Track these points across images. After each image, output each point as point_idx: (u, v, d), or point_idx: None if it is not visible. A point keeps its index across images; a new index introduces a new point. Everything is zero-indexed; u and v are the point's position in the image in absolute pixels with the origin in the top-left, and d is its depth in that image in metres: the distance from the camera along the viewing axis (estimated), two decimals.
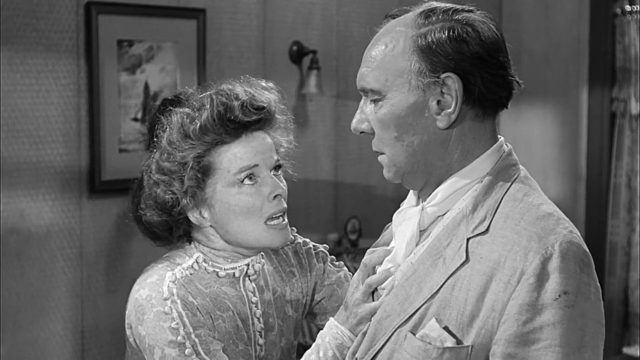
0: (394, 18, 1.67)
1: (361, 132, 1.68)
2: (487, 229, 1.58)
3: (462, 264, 1.57)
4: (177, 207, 1.88)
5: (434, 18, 1.60)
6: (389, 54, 1.61)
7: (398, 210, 1.75)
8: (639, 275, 5.07)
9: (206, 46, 4.21)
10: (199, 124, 1.85)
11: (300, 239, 2.12)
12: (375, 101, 1.63)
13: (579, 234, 1.58)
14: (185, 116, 1.87)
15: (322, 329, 1.84)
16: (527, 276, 1.50)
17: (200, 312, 1.86)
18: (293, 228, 2.15)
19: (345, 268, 2.16)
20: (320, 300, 2.11)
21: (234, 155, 1.87)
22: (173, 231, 1.93)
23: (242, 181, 1.87)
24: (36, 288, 3.74)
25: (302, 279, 2.08)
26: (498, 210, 1.59)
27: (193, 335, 1.82)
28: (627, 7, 5.01)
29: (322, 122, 4.76)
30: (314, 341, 1.83)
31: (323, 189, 4.80)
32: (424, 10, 1.63)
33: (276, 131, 1.96)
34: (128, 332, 1.90)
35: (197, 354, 1.81)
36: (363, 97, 1.67)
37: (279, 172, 1.95)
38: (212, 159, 1.87)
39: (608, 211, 5.13)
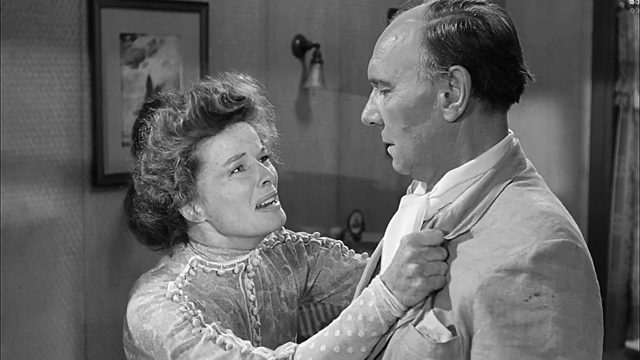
0: (406, 10, 1.67)
1: (371, 123, 1.68)
2: (473, 230, 1.58)
3: (447, 261, 1.59)
4: (170, 204, 1.90)
5: (444, 10, 1.60)
6: (398, 46, 1.61)
7: (408, 193, 1.75)
8: None
9: (209, 40, 4.21)
10: (182, 120, 1.88)
11: (289, 236, 2.13)
12: (384, 92, 1.64)
13: (573, 229, 1.56)
14: (167, 114, 1.90)
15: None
16: (501, 273, 1.49)
17: (206, 312, 1.87)
18: (282, 228, 2.16)
19: (338, 241, 2.17)
20: (313, 285, 2.12)
21: (219, 147, 1.89)
22: (168, 232, 1.94)
23: (232, 173, 1.89)
24: (38, 282, 3.74)
25: (295, 275, 2.09)
26: (490, 210, 1.59)
27: (200, 314, 1.83)
28: (631, 1, 5.00)
29: (324, 116, 4.76)
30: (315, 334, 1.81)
31: (325, 183, 4.80)
32: (435, 2, 1.62)
33: (259, 122, 1.99)
34: (127, 337, 1.89)
35: (204, 326, 1.80)
36: (374, 88, 1.67)
37: (267, 161, 1.97)
38: (198, 153, 1.89)
39: (611, 205, 5.13)
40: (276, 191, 1.94)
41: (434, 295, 1.59)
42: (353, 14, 4.83)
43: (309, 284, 2.12)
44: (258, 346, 1.94)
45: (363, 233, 4.78)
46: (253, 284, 1.98)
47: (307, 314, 4.20)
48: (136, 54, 3.99)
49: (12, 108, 3.63)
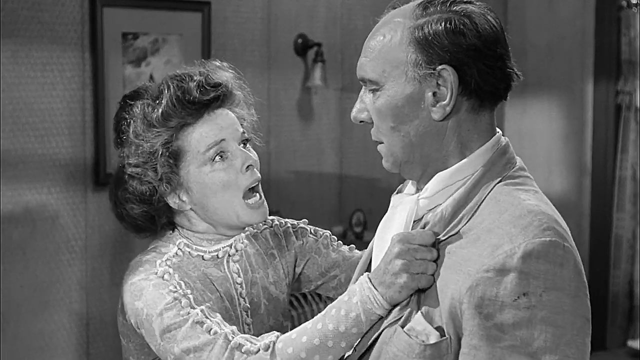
0: (395, 9, 1.67)
1: (360, 121, 1.69)
2: (463, 231, 1.58)
3: (437, 262, 1.59)
4: (156, 195, 1.91)
5: (431, 9, 1.61)
6: (386, 45, 1.61)
7: (398, 192, 1.75)
8: None
9: (211, 39, 4.22)
10: (160, 111, 1.88)
11: (277, 221, 2.14)
12: (373, 91, 1.64)
13: (562, 228, 1.56)
14: (145, 106, 1.91)
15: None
16: (490, 274, 1.49)
17: (194, 290, 1.90)
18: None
19: (326, 232, 2.18)
20: (301, 272, 2.14)
21: (199, 135, 1.90)
22: (155, 220, 1.97)
23: (213, 159, 1.91)
24: (41, 280, 3.75)
25: (282, 259, 2.11)
26: (479, 210, 1.59)
27: (190, 294, 1.85)
28: (633, 0, 5.00)
29: (326, 115, 4.77)
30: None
31: (328, 182, 4.80)
32: (423, 1, 1.63)
33: (237, 106, 1.99)
34: (122, 318, 1.94)
35: (193, 308, 1.83)
36: (363, 86, 1.68)
37: (248, 145, 1.98)
38: (180, 142, 1.90)
39: (613, 204, 5.13)
40: (260, 177, 1.96)
41: (422, 295, 1.59)
42: (354, 12, 4.84)
43: (297, 270, 2.13)
44: (249, 328, 1.98)
45: (365, 232, 4.78)
46: (238, 267, 2.00)
47: (309, 313, 4.20)
48: (138, 53, 3.99)
49: (14, 107, 3.64)
